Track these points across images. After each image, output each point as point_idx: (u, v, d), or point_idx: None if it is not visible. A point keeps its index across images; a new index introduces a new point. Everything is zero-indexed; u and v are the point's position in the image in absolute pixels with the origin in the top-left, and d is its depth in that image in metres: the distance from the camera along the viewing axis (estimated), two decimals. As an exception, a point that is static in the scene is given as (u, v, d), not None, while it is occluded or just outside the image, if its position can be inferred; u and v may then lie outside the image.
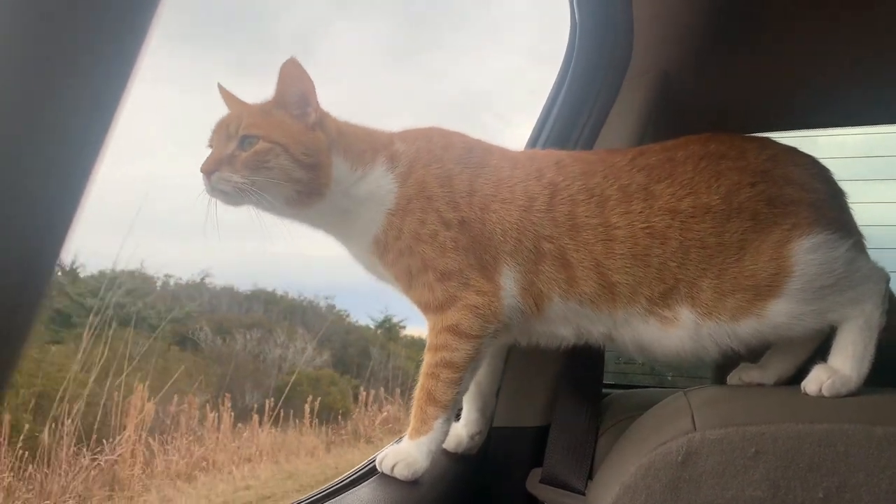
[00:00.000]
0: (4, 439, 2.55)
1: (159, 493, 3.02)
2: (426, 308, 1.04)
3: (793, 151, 1.04)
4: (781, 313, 0.95)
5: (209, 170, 0.96)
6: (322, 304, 7.44)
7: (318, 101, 1.02)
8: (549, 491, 1.17)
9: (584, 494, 1.12)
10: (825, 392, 0.90)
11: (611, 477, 0.95)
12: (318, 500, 0.99)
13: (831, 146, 1.08)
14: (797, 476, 0.81)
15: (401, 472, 1.00)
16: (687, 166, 1.01)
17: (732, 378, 1.10)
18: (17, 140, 0.30)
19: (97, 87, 0.32)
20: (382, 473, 1.02)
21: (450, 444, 1.19)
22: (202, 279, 6.65)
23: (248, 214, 1.01)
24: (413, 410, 1.04)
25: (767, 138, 1.06)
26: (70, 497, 2.65)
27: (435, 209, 1.01)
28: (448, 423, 1.03)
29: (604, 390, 1.36)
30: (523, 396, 1.28)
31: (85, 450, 2.84)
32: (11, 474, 2.42)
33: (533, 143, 1.44)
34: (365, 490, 1.00)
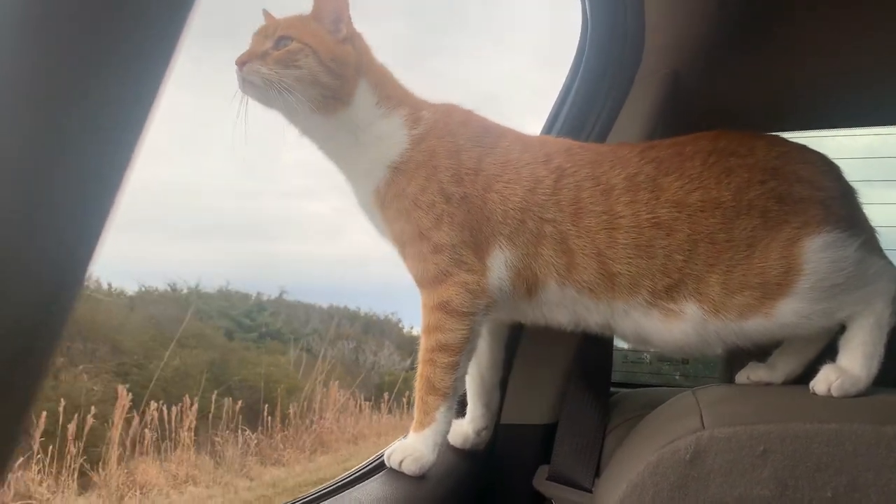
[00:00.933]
0: (278, 411, 4.57)
1: (345, 450, 4.75)
2: (419, 281, 1.05)
3: (803, 149, 1.04)
4: (790, 312, 0.95)
5: (242, 61, 1.01)
6: (381, 316, 8.40)
7: (350, 19, 1.07)
8: (557, 488, 1.18)
9: (591, 492, 1.13)
10: (834, 392, 0.90)
11: (618, 474, 0.96)
12: (328, 493, 1.00)
13: (839, 147, 1.08)
14: (805, 475, 0.81)
15: (408, 468, 1.00)
16: (696, 161, 1.01)
17: (741, 377, 1.10)
18: (48, 146, 0.30)
19: (129, 92, 0.32)
20: (391, 468, 1.03)
21: (457, 440, 1.20)
22: (280, 295, 7.64)
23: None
24: (415, 403, 1.05)
25: (777, 136, 1.06)
26: (306, 448, 4.53)
27: (438, 180, 1.03)
28: (451, 412, 1.04)
29: (611, 389, 1.36)
30: (531, 394, 1.28)
31: (306, 422, 4.81)
32: (281, 434, 4.52)
33: (542, 142, 1.44)
34: (374, 485, 1.01)
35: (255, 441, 4.26)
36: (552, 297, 1.04)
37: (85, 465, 3.19)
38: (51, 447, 3.05)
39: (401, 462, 1.01)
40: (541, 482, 1.21)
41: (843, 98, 1.51)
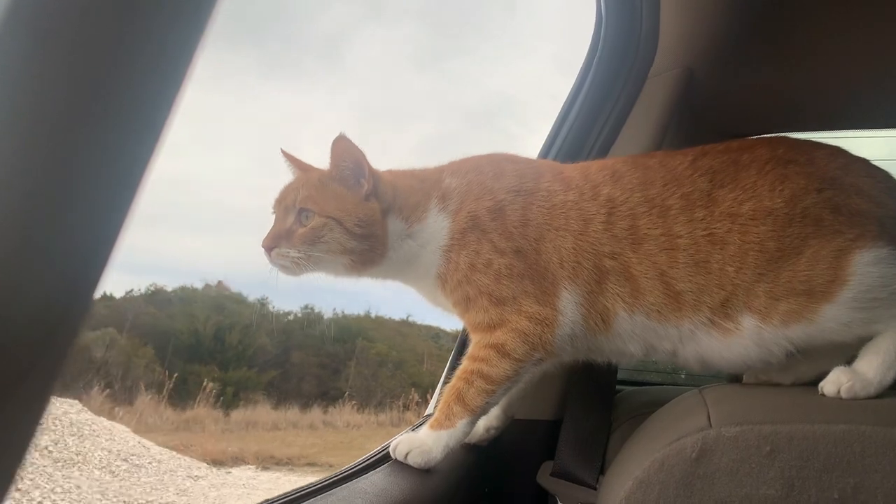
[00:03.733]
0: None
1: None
2: (477, 328, 1.04)
3: (865, 163, 1.02)
4: (830, 318, 0.94)
5: (269, 246, 1.01)
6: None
7: (370, 170, 1.04)
8: (561, 484, 1.18)
9: (595, 489, 1.13)
10: (843, 394, 0.90)
11: (624, 471, 0.95)
12: (332, 483, 1.00)
13: (856, 149, 1.07)
14: (812, 476, 0.81)
15: (414, 460, 1.01)
16: (751, 170, 1.00)
17: (749, 377, 1.10)
18: (69, 144, 0.31)
19: (150, 93, 0.33)
20: (396, 460, 1.03)
21: None
22: (407, 318, 11.30)
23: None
24: (440, 403, 1.04)
25: (840, 148, 1.04)
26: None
27: (489, 240, 1.02)
28: (472, 425, 1.03)
29: (617, 387, 1.36)
30: (537, 390, 1.28)
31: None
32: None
33: (553, 138, 1.44)
34: (378, 476, 1.01)
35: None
36: (625, 327, 1.02)
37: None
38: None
39: (407, 454, 1.01)
40: (545, 478, 1.21)
41: (861, 98, 1.49)
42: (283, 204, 1.04)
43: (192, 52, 0.33)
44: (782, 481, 0.82)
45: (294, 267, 1.01)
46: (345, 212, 1.01)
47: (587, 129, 1.40)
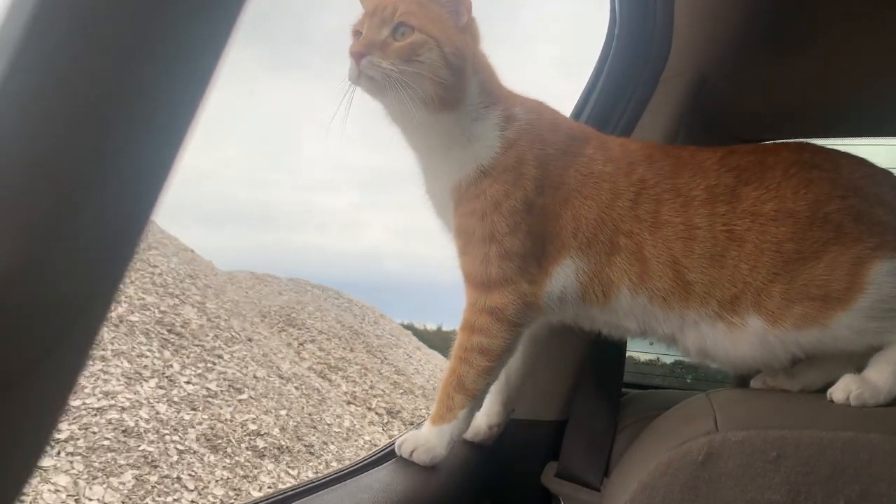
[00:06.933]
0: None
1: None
2: (474, 280, 1.02)
3: (889, 174, 1.03)
4: (844, 326, 0.94)
5: (361, 52, 0.93)
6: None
7: (471, 4, 1.01)
8: (565, 485, 1.18)
9: (599, 490, 1.13)
10: (852, 401, 0.90)
11: (629, 474, 0.96)
12: (336, 479, 1.00)
13: (866, 157, 1.07)
14: (818, 482, 0.81)
15: (419, 458, 1.01)
16: (776, 171, 1.00)
17: (756, 382, 1.10)
18: (100, 135, 0.31)
19: (180, 85, 0.33)
20: (400, 457, 1.04)
21: (468, 433, 1.20)
22: None
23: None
24: (439, 395, 1.04)
25: (864, 158, 1.04)
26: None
27: (523, 187, 1.00)
28: (472, 413, 1.04)
29: (623, 389, 1.36)
30: (543, 390, 1.28)
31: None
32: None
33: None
34: (383, 472, 1.01)
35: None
36: (624, 305, 1.02)
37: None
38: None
39: (412, 451, 1.01)
40: (549, 479, 1.21)
41: (873, 106, 1.49)
42: (378, 16, 0.96)
43: (219, 51, 0.34)
44: (788, 487, 0.82)
45: (383, 81, 0.92)
46: (444, 35, 0.96)
47: (598, 129, 1.40)
